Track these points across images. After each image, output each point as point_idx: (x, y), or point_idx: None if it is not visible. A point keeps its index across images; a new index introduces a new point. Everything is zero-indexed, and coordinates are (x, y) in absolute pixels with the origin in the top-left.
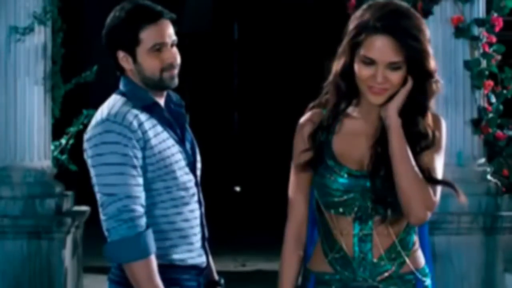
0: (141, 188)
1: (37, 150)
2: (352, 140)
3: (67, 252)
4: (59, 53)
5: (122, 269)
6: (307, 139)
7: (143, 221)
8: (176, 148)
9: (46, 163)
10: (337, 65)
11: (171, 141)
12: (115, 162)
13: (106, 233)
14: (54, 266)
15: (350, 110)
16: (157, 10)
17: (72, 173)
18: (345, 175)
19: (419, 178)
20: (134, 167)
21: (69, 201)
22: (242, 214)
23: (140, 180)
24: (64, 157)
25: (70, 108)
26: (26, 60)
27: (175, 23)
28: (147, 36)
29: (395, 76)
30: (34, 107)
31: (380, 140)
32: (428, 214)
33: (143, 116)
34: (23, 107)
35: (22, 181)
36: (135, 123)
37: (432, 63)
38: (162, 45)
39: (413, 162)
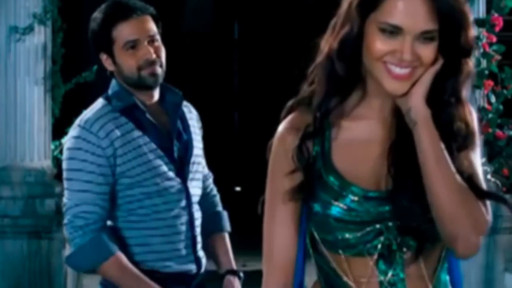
0: (98, 195)
1: (37, 150)
2: (358, 148)
3: (67, 252)
4: (59, 53)
5: None
6: (292, 154)
7: (96, 226)
8: (154, 153)
9: (46, 163)
10: (332, 41)
11: (149, 146)
12: (75, 168)
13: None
14: (54, 266)
15: (350, 106)
16: (129, 6)
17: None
18: (356, 199)
19: (464, 188)
20: (93, 173)
21: None
22: (242, 214)
23: (99, 188)
24: None
25: (70, 108)
26: (26, 60)
27: (157, 18)
28: (119, 34)
29: (428, 51)
30: (34, 107)
31: (398, 143)
32: (481, 240)
33: (117, 121)
34: (23, 107)
35: (22, 181)
36: (102, 131)
37: (472, 33)
38: (135, 42)
39: (454, 168)
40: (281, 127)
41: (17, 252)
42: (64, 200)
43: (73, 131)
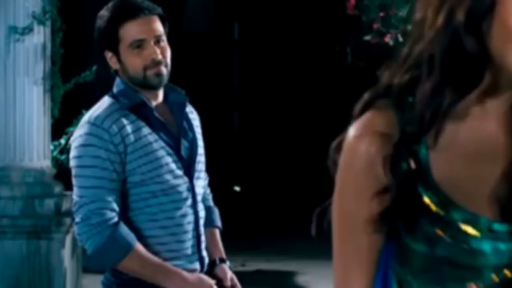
0: (112, 191)
1: (37, 150)
2: (469, 160)
3: (66, 252)
4: (59, 53)
5: (112, 273)
6: (384, 167)
7: (112, 222)
8: (164, 151)
9: (45, 163)
10: (448, 10)
11: (159, 144)
12: (87, 165)
13: (77, 237)
14: (53, 266)
15: (466, 102)
16: (137, 5)
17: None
18: (475, 233)
19: None
20: (106, 169)
21: (69, 201)
22: (242, 214)
23: (112, 184)
24: (63, 157)
25: (69, 108)
26: (25, 60)
27: (164, 19)
28: (126, 33)
29: None
30: (34, 107)
31: None
32: None
33: (127, 119)
34: (22, 107)
35: (22, 181)
36: (114, 127)
37: None
38: (142, 41)
39: None
40: (356, 131)
41: (17, 252)
42: (75, 198)
43: (81, 128)
